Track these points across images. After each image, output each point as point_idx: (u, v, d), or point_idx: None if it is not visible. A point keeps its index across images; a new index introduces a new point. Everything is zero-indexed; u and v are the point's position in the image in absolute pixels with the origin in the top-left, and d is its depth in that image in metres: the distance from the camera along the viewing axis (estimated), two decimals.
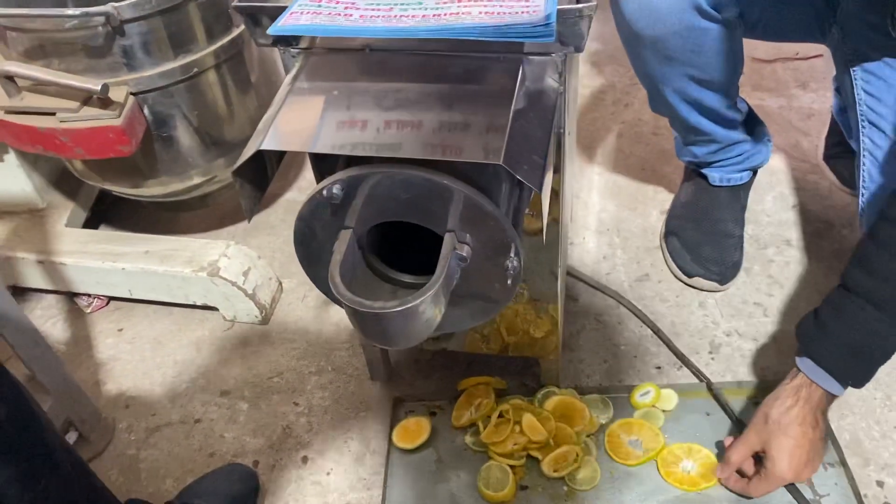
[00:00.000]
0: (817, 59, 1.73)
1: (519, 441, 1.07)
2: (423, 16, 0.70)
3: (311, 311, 1.34)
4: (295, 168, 1.63)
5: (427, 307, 0.69)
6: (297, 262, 0.79)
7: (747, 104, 1.29)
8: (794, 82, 1.70)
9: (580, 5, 0.71)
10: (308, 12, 0.71)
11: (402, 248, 0.80)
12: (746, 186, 1.34)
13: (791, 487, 1.00)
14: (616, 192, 1.50)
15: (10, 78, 1.09)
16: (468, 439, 1.11)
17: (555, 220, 0.92)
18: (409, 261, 0.80)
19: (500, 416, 1.10)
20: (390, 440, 1.12)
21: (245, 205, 0.75)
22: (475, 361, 1.21)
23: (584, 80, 1.78)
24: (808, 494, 1.00)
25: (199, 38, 1.17)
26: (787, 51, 1.75)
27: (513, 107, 0.71)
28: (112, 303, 1.41)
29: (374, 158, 0.70)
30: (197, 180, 1.32)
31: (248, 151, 0.71)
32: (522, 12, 0.68)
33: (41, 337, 1.06)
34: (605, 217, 1.45)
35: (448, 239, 0.72)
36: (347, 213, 0.73)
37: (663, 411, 1.11)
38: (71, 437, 1.15)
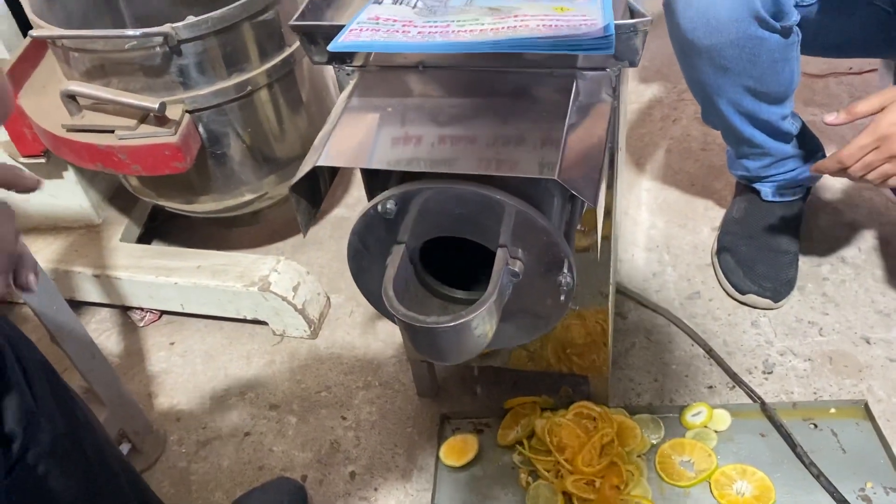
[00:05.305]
0: (871, 73, 1.69)
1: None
2: (481, 30, 0.70)
3: (359, 326, 1.35)
4: (342, 186, 1.65)
5: (480, 322, 0.69)
6: (345, 277, 0.80)
7: (801, 120, 1.26)
8: (847, 97, 1.67)
9: (635, 20, 0.71)
10: (367, 29, 0.72)
11: (453, 264, 0.80)
12: (801, 202, 1.32)
13: (833, 491, 0.97)
14: (665, 209, 1.48)
15: (72, 97, 1.13)
16: (516, 458, 1.10)
17: (605, 238, 0.91)
18: (460, 276, 0.80)
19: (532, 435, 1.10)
20: (438, 457, 1.12)
21: (301, 220, 0.76)
22: (522, 378, 1.20)
23: (632, 96, 1.77)
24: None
25: (253, 57, 1.20)
26: (840, 66, 1.72)
27: (567, 121, 0.70)
28: (164, 317, 1.43)
29: (428, 174, 0.71)
30: (248, 197, 1.34)
31: (305, 168, 0.72)
32: (581, 24, 0.68)
33: (98, 350, 1.08)
34: (655, 234, 1.43)
35: (501, 254, 0.72)
36: (400, 228, 0.74)
37: (716, 432, 1.09)
38: (124, 449, 1.17)
